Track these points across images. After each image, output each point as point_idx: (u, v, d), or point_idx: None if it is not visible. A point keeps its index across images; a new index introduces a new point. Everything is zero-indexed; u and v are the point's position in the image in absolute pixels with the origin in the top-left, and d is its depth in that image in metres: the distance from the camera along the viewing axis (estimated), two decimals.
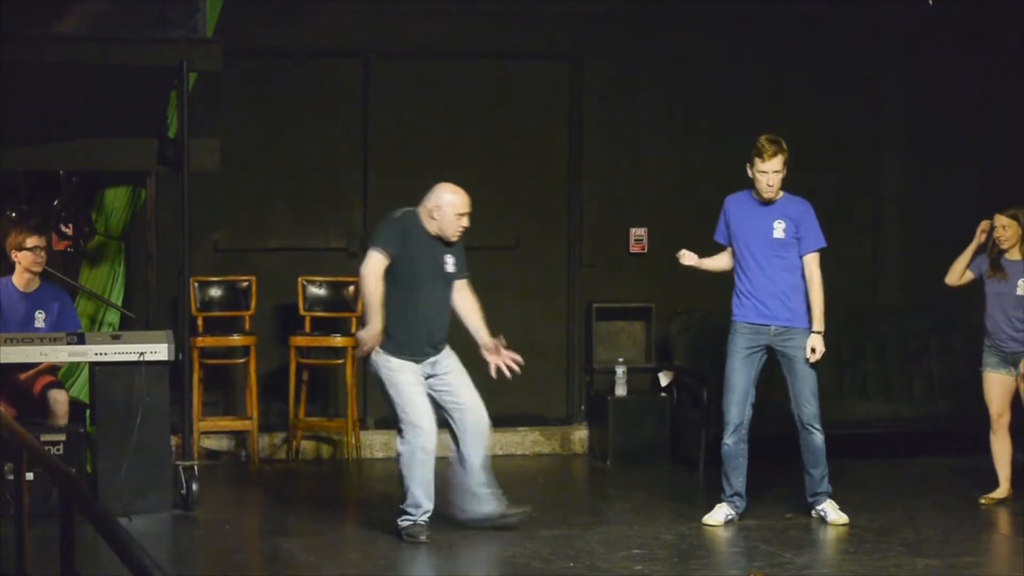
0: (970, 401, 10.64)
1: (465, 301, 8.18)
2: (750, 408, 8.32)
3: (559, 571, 7.48)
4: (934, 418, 10.63)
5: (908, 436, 10.62)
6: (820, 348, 8.24)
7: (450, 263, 8.04)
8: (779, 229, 8.28)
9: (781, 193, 8.40)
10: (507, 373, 8.12)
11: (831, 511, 8.36)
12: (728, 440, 8.34)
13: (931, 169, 11.56)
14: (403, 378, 7.95)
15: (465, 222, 8.03)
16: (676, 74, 11.20)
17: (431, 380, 8.05)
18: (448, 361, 8.09)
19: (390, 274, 7.92)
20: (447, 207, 7.99)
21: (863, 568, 7.51)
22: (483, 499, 8.09)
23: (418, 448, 7.88)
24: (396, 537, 7.97)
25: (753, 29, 11.23)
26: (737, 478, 8.37)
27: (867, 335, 11.03)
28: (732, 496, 8.38)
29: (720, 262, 8.55)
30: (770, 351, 8.32)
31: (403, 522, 7.96)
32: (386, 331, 7.95)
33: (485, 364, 8.16)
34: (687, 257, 8.48)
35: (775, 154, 8.24)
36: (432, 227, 8.01)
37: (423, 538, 7.89)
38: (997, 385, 9.03)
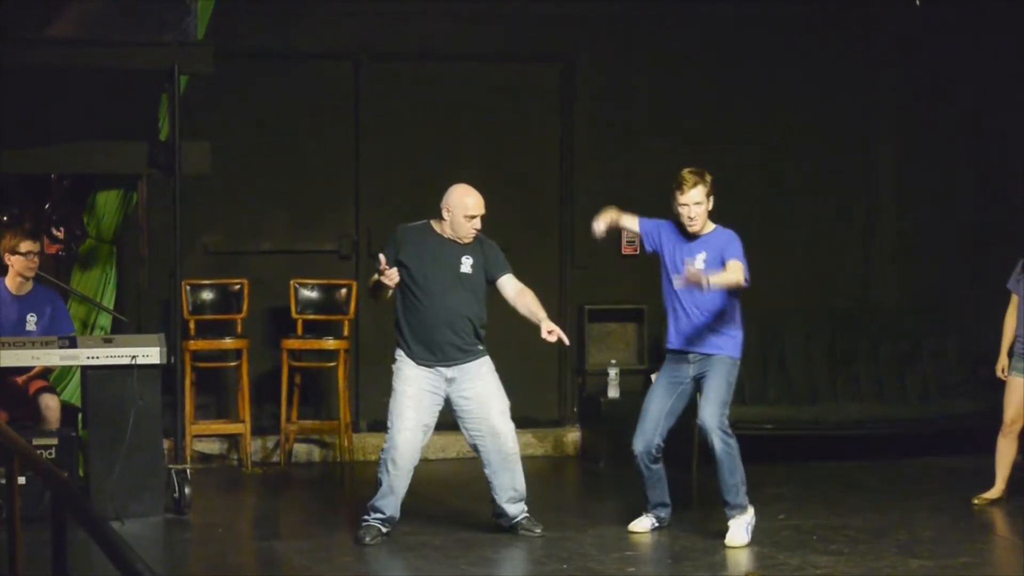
0: (964, 402, 10.68)
1: (511, 291, 8.06)
2: (659, 438, 8.04)
3: (552, 573, 7.49)
4: (928, 419, 10.62)
5: (902, 437, 10.63)
6: (703, 274, 7.73)
7: (466, 264, 8.00)
8: (699, 260, 7.92)
9: (713, 226, 8.04)
10: (566, 340, 8.01)
11: (732, 527, 7.95)
12: (639, 468, 8.11)
13: (925, 170, 11.58)
14: (404, 388, 7.99)
15: (477, 224, 8.01)
16: (669, 75, 11.21)
17: (454, 398, 8.00)
18: (475, 382, 7.99)
19: (402, 282, 7.95)
20: (456, 209, 8.01)
21: (857, 569, 7.51)
22: (512, 512, 8.15)
23: (388, 460, 7.96)
24: (388, 540, 8.01)
25: (748, 30, 11.24)
26: (656, 493, 8.20)
27: (860, 336, 11.03)
28: (655, 507, 8.28)
29: (632, 223, 8.19)
30: (694, 381, 8.07)
31: (362, 521, 8.05)
32: (403, 335, 8.01)
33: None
34: (604, 221, 8.12)
35: (695, 184, 7.94)
36: (444, 230, 8.03)
37: (367, 540, 7.93)
38: (1019, 392, 8.99)
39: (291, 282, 10.50)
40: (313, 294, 10.56)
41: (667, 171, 11.06)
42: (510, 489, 8.11)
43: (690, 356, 8.04)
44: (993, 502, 9.04)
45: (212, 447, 10.53)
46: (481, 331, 8.07)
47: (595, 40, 11.11)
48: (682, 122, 11.19)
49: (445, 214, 8.04)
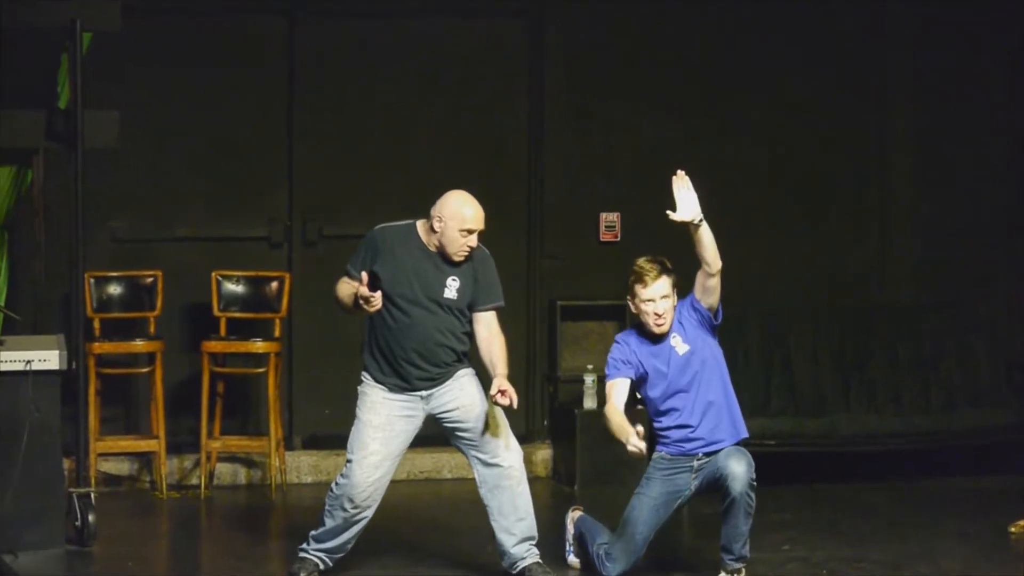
0: (996, 412, 10.71)
1: (484, 331, 7.88)
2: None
3: None
4: (954, 432, 10.67)
5: (924, 453, 10.67)
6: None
7: (452, 288, 7.81)
8: (680, 345, 7.81)
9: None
10: (515, 404, 7.71)
11: None
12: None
13: (948, 149, 11.63)
14: (370, 418, 7.82)
15: (472, 241, 7.82)
16: (654, 32, 11.20)
17: (436, 414, 7.87)
18: (455, 392, 7.85)
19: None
20: (450, 220, 7.78)
21: None
22: (516, 553, 8.02)
23: (344, 498, 7.84)
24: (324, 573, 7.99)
25: None
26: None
27: (876, 337, 11.07)
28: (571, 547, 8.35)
29: (624, 390, 7.95)
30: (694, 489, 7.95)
31: (300, 551, 8.00)
32: (371, 357, 7.86)
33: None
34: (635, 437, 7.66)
35: (660, 274, 7.77)
36: (432, 241, 7.84)
37: None
38: None
39: (213, 274, 10.48)
40: (239, 288, 10.54)
41: (651, 145, 11.17)
42: (511, 516, 7.91)
43: (694, 462, 7.85)
44: None
45: (120, 467, 10.50)
46: (464, 355, 7.91)
47: None
48: (670, 91, 11.18)
49: (436, 224, 7.80)
